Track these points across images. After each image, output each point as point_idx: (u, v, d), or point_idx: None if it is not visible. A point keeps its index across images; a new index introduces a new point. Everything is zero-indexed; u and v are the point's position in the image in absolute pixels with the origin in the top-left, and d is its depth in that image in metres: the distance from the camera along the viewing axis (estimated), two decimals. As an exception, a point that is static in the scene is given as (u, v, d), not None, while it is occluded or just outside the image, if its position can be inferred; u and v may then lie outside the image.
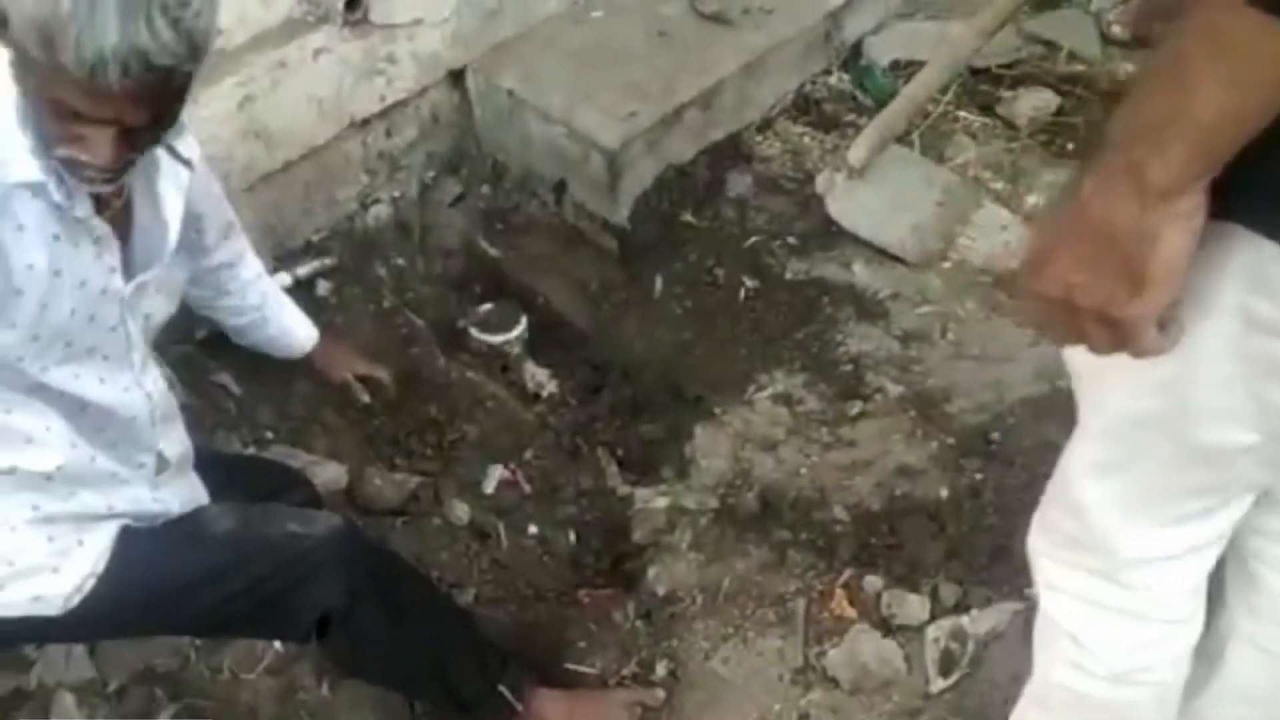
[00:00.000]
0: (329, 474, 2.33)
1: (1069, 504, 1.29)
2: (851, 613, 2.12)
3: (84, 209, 1.43)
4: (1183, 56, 0.82)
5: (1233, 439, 1.07)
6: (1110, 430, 1.19)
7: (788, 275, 2.70)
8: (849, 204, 2.78)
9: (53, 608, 1.58)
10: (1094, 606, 1.36)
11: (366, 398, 2.24)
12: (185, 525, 1.70)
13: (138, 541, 1.63)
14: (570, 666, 2.13)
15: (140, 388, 1.62)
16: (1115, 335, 0.95)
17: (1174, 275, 0.90)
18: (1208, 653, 1.55)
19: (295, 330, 2.13)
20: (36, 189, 1.36)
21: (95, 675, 2.00)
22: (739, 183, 2.92)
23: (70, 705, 1.95)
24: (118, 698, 1.98)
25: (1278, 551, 1.37)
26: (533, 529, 2.41)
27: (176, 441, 1.74)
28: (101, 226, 1.47)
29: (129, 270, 1.55)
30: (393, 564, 1.88)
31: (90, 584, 1.59)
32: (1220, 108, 0.81)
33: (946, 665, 2.05)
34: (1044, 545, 1.40)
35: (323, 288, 2.71)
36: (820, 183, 2.84)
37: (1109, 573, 1.31)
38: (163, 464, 1.69)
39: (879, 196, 2.78)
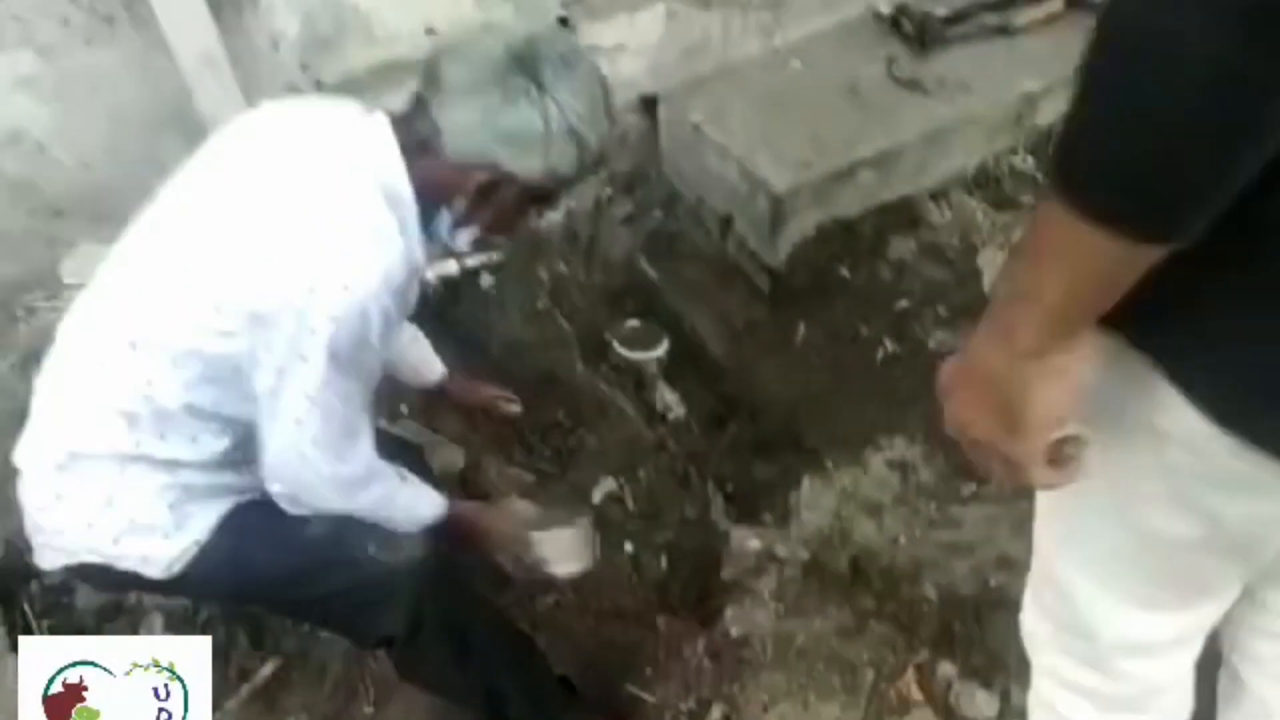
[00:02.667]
0: (448, 457, 2.28)
1: (1052, 582, 1.24)
2: (919, 696, 1.93)
3: None
4: (1034, 241, 0.85)
5: (1175, 529, 1.03)
6: (1068, 509, 1.16)
7: (930, 344, 2.51)
8: (1007, 284, 2.57)
9: (157, 570, 1.55)
10: (1087, 697, 1.30)
11: (516, 407, 2.21)
12: (283, 520, 1.61)
13: (240, 524, 1.59)
14: (632, 690, 2.01)
15: None
16: (1008, 468, 0.96)
17: (1048, 422, 0.91)
18: None
19: (431, 361, 2.09)
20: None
21: (188, 603, 2.00)
22: (902, 245, 2.73)
23: (158, 626, 1.95)
24: (203, 629, 1.97)
25: (1259, 647, 1.28)
26: (628, 547, 2.29)
27: None
28: None
29: None
30: (464, 600, 1.78)
31: (192, 553, 1.56)
32: (1063, 288, 0.84)
33: (1002, 768, 1.86)
34: (1038, 630, 1.34)
35: (486, 281, 2.67)
36: (983, 258, 2.65)
37: (1096, 661, 1.25)
38: None
39: (1038, 283, 2.56)
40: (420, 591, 1.65)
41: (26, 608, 2.03)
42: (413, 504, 1.69)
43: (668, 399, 2.59)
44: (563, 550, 1.87)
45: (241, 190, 1.49)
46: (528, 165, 1.51)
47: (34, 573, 2.04)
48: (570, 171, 1.55)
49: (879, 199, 2.74)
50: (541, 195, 1.61)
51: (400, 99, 2.49)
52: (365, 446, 1.59)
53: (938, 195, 2.83)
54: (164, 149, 2.39)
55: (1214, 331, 0.88)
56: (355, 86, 2.50)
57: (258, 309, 1.41)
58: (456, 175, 1.52)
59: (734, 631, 2.05)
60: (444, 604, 1.70)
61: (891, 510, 2.19)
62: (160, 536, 1.54)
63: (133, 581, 1.60)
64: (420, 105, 1.51)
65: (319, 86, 2.49)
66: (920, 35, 2.95)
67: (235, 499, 1.60)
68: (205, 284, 1.45)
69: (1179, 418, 0.92)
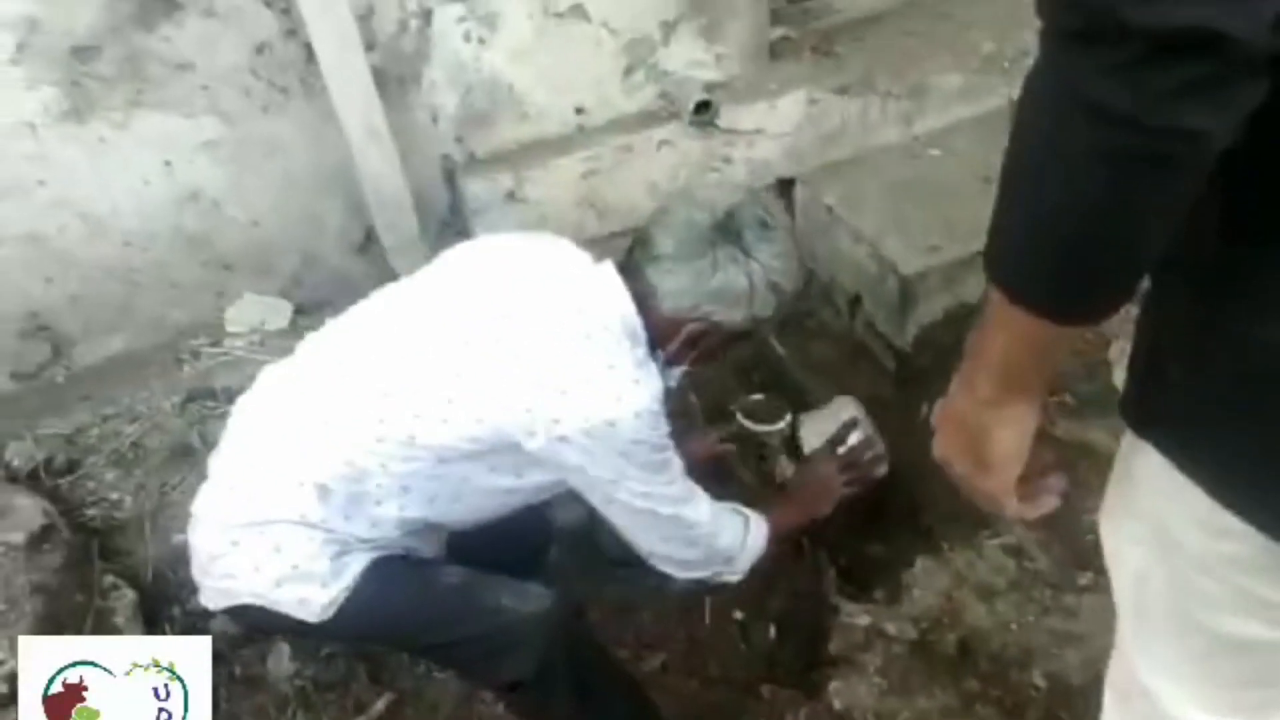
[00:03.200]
0: (569, 515, 2.33)
1: (1139, 688, 1.24)
2: (1022, 783, 1.88)
3: None
4: (985, 312, 0.98)
5: (1243, 630, 1.07)
6: (1141, 613, 1.20)
7: (1056, 431, 2.46)
8: (1137, 376, 2.52)
9: (311, 614, 1.67)
10: None
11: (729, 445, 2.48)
12: (421, 571, 1.78)
13: (384, 572, 1.72)
14: (731, 756, 2.02)
15: None
16: (984, 499, 1.11)
17: (1009, 462, 1.05)
18: None
19: None
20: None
21: (317, 633, 2.09)
22: (1032, 333, 2.70)
23: (284, 655, 2.04)
24: (326, 661, 2.05)
25: None
26: (738, 614, 2.30)
27: None
28: None
29: None
30: (587, 648, 1.89)
31: (342, 599, 1.68)
32: (1002, 352, 0.97)
33: None
34: None
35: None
36: (1113, 351, 2.59)
37: None
38: None
39: (1168, 374, 2.51)
40: (551, 638, 1.74)
41: (168, 629, 2.15)
42: (759, 523, 1.94)
43: (788, 471, 2.59)
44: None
45: (507, 314, 1.68)
46: (734, 316, 1.71)
47: (178, 599, 2.17)
48: (770, 315, 1.75)
49: (1010, 286, 2.72)
50: (742, 338, 1.81)
51: (544, 172, 2.62)
52: (704, 500, 1.83)
53: (1072, 285, 2.79)
54: (325, 210, 2.57)
55: (1208, 421, 0.97)
56: (505, 159, 2.64)
57: (555, 432, 1.59)
58: (671, 326, 1.71)
59: (837, 704, 2.02)
60: (571, 651, 1.78)
61: (1005, 595, 2.14)
62: (318, 584, 1.67)
63: (285, 624, 1.72)
64: (636, 267, 1.71)
65: (472, 158, 2.63)
66: (1060, 127, 2.94)
67: (383, 552, 1.73)
68: (472, 397, 1.62)
69: (1215, 508, 0.98)
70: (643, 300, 1.70)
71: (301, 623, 1.69)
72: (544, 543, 2.24)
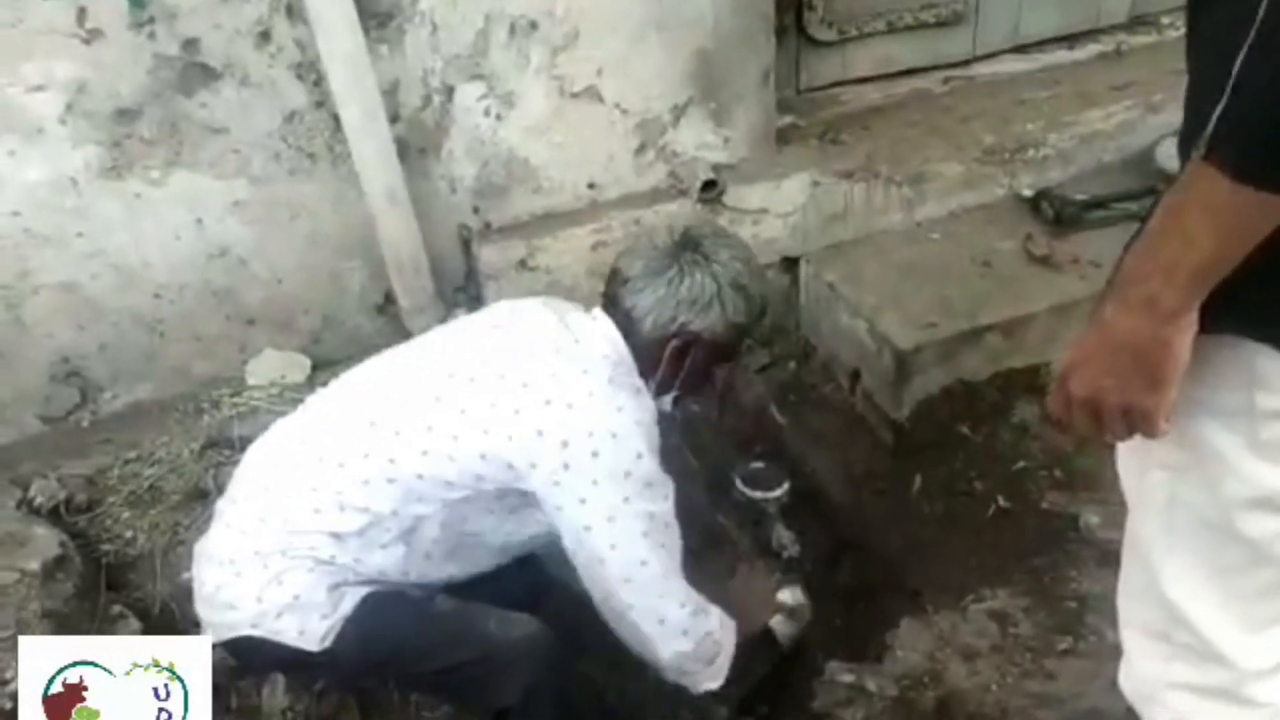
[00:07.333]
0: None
1: (1176, 622, 1.29)
2: (995, 840, 1.89)
3: None
4: (1182, 214, 0.99)
5: (1275, 526, 1.16)
6: (1177, 538, 1.24)
7: (1043, 504, 2.50)
8: (1126, 454, 2.56)
9: (311, 644, 1.75)
10: None
11: None
12: (413, 601, 1.84)
13: (377, 604, 1.80)
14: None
15: None
16: (1134, 423, 1.11)
17: (1181, 373, 1.07)
18: None
19: None
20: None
21: (307, 670, 2.14)
22: (1026, 411, 2.75)
23: (280, 688, 2.09)
24: (318, 696, 2.10)
25: None
26: (725, 669, 2.32)
27: None
28: None
29: None
30: (571, 675, 1.92)
31: (339, 627, 1.76)
32: (1211, 254, 0.99)
33: None
34: (1163, 675, 1.36)
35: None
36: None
37: (1234, 688, 1.30)
38: None
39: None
40: (536, 664, 1.80)
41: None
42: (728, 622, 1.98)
43: (784, 538, 2.64)
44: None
45: (520, 361, 1.78)
46: (710, 321, 1.84)
47: (184, 631, 2.23)
48: (744, 320, 1.87)
49: (1006, 364, 2.78)
50: (724, 353, 1.92)
51: (555, 242, 2.72)
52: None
53: (1067, 366, 2.84)
54: (347, 271, 2.67)
55: None
56: (519, 229, 2.75)
57: (562, 458, 1.68)
58: (656, 347, 1.85)
59: (816, 757, 2.05)
60: (555, 677, 1.84)
61: (986, 657, 2.17)
62: (318, 615, 1.75)
63: (282, 655, 1.78)
64: (613, 297, 1.87)
65: (487, 227, 2.74)
66: (1058, 217, 3.03)
67: (376, 587, 1.80)
68: (477, 430, 1.72)
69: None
70: (626, 329, 1.84)
71: (299, 652, 1.75)
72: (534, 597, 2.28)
